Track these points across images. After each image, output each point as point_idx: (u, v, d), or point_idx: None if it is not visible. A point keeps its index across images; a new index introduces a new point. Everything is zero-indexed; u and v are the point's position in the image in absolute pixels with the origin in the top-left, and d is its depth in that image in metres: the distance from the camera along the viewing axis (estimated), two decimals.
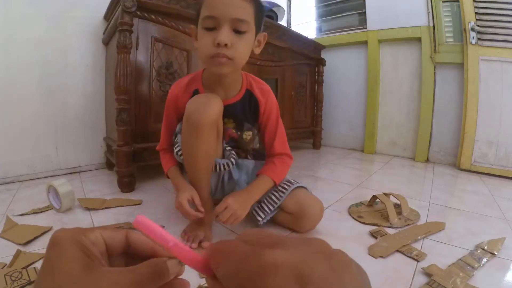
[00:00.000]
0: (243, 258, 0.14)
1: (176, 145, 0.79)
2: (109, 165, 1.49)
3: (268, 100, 0.83)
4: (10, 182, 1.24)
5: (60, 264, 0.17)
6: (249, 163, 0.88)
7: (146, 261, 0.20)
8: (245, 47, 0.68)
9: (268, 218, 0.82)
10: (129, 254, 0.22)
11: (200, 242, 0.73)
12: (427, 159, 1.99)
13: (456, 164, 1.81)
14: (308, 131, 2.28)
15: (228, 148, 0.82)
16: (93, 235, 0.19)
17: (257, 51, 0.75)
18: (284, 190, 0.81)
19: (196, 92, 0.79)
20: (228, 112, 0.77)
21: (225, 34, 0.64)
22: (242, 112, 0.82)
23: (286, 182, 0.83)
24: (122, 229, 0.22)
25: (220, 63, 0.66)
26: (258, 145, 0.88)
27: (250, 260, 0.14)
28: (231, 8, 0.64)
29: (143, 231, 0.18)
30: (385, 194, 0.99)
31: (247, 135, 0.84)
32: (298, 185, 0.83)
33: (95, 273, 0.17)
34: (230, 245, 0.15)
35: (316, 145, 2.35)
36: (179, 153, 0.77)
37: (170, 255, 0.20)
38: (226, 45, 0.64)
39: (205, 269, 0.17)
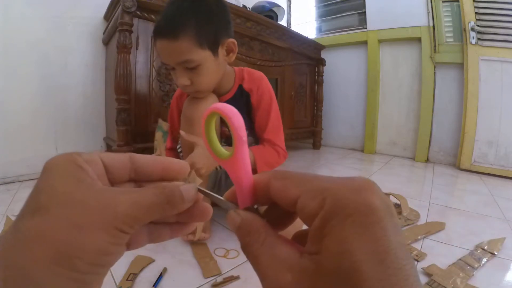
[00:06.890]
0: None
1: (178, 144, 0.83)
2: None
3: (260, 86, 0.81)
4: (10, 182, 1.24)
5: (48, 180, 0.14)
6: None
7: (154, 183, 0.16)
8: (204, 77, 0.69)
9: None
10: (138, 181, 0.18)
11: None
12: (427, 159, 1.98)
13: (456, 164, 1.81)
14: (308, 131, 2.27)
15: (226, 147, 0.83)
16: (88, 155, 0.16)
17: (230, 59, 0.74)
18: None
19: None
20: None
21: (180, 78, 0.67)
22: None
23: None
24: (124, 153, 0.18)
25: (193, 95, 0.73)
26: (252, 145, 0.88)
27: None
28: (173, 55, 0.65)
29: (222, 113, 0.15)
30: (385, 194, 0.99)
31: None
32: None
33: (85, 190, 0.14)
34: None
35: (316, 145, 2.35)
36: (180, 151, 0.81)
37: (185, 179, 0.16)
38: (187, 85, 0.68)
39: (249, 197, 0.15)
